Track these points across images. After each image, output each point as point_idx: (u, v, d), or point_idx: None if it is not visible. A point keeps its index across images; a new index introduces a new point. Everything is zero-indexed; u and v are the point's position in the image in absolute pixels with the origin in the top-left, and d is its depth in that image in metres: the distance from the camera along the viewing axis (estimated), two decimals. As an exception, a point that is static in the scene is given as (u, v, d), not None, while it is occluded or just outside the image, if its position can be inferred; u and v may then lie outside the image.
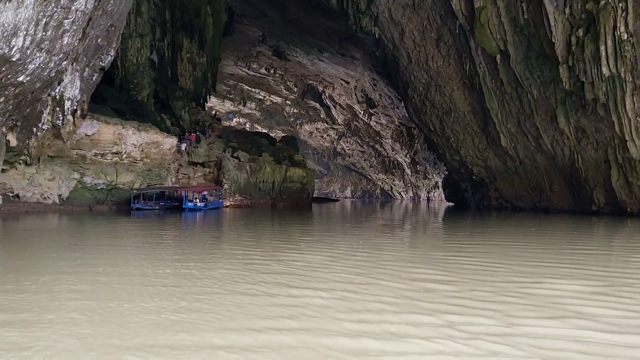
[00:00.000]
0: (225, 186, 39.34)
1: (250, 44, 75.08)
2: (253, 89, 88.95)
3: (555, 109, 32.12)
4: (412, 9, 40.71)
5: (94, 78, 31.90)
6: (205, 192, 36.11)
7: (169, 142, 36.89)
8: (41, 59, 21.20)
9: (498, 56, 34.81)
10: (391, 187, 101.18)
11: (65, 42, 22.27)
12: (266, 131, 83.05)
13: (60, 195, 31.60)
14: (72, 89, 29.39)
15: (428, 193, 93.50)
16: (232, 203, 39.87)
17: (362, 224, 26.26)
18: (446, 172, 61.24)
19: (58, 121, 29.68)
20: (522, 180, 40.08)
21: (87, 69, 30.57)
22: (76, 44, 24.11)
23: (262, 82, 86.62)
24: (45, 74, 23.03)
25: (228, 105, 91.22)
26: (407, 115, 78.68)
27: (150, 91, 44.45)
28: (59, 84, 27.79)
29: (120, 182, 34.77)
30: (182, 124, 45.88)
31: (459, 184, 52.47)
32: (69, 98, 29.61)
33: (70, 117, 30.52)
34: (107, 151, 33.90)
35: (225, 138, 44.59)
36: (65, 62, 24.49)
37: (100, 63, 31.80)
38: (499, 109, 37.21)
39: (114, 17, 29.94)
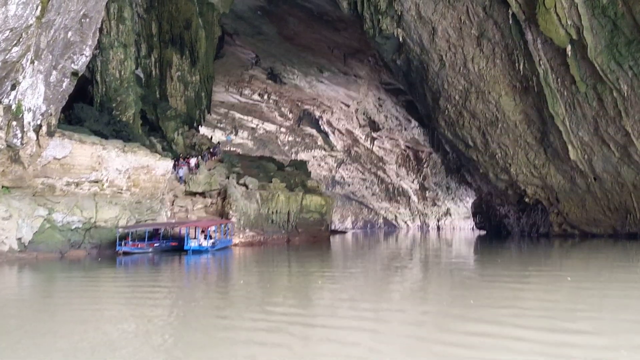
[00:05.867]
0: (234, 219, 31.71)
1: (242, 68, 69.80)
2: (245, 117, 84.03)
3: (657, 106, 25.45)
4: (445, 3, 34.36)
5: (64, 85, 24.42)
6: (213, 228, 28.58)
7: (163, 166, 29.28)
8: (-27, 30, 13.88)
9: (568, 47, 28.26)
10: (395, 216, 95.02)
11: (11, 13, 14.97)
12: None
13: (20, 238, 23.78)
14: (33, 96, 21.89)
15: (438, 221, 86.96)
16: (243, 240, 32.21)
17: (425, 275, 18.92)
18: (475, 196, 54.21)
19: (15, 140, 22.08)
20: (597, 201, 32.99)
21: (54, 72, 23.14)
22: (31, 22, 16.80)
23: (254, 109, 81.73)
24: (-14, 60, 15.70)
25: (218, 135, 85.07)
26: (415, 138, 72.56)
27: (136, 110, 37.15)
28: (13, 88, 20.35)
29: (101, 219, 26.94)
30: (175, 148, 38.45)
31: (495, 208, 45.39)
32: (29, 109, 22.09)
33: (32, 135, 22.93)
34: (83, 179, 26.11)
35: (229, 162, 37.20)
36: (16, 50, 17.14)
37: (73, 65, 24.42)
38: (567, 114, 30.46)
39: (88, 4, 22.83)
